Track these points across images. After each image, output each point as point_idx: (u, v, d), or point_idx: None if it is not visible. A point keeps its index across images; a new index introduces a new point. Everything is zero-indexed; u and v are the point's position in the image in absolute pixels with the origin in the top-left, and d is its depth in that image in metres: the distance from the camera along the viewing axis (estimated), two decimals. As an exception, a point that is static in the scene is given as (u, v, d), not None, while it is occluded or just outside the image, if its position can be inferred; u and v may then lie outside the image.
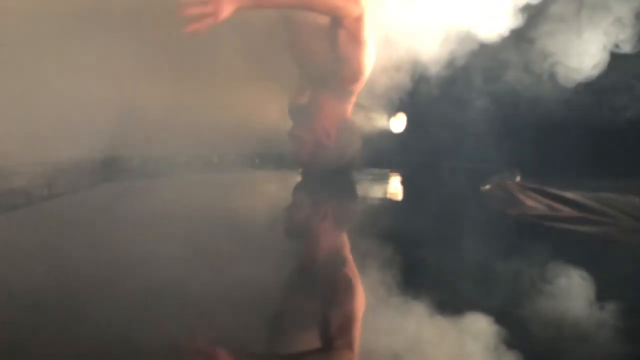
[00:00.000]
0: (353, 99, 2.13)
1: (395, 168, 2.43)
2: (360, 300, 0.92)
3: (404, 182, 2.25)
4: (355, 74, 2.00)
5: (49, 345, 0.70)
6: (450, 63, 2.13)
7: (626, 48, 1.97)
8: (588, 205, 1.48)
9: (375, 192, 2.08)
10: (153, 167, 2.11)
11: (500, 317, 0.82)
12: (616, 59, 2.00)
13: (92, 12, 2.02)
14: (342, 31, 1.88)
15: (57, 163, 1.75)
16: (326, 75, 2.03)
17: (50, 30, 1.93)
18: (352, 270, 1.08)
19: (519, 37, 2.01)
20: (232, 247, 1.19)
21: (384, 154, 2.45)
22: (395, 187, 2.18)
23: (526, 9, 1.95)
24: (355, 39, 1.90)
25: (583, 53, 1.99)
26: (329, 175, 2.08)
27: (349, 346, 0.77)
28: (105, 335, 0.72)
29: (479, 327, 0.79)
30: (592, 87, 2.04)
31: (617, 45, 1.97)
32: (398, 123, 2.55)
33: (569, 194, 1.56)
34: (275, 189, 2.09)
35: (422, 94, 2.38)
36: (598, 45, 1.97)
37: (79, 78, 1.95)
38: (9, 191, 1.53)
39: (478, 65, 2.24)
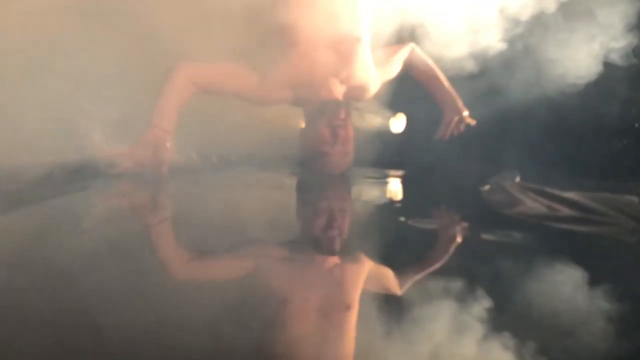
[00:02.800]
0: None
1: (394, 168, 2.43)
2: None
3: (403, 183, 2.25)
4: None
5: (34, 345, 0.70)
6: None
7: (616, 59, 1.97)
8: (587, 206, 1.48)
9: (374, 193, 2.08)
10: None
11: (499, 316, 0.82)
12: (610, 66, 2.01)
13: (86, 9, 2.02)
14: None
15: (53, 164, 1.74)
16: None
17: (44, 30, 1.93)
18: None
19: (515, 41, 2.03)
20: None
21: (383, 154, 2.45)
22: (394, 188, 2.18)
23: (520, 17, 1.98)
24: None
25: (572, 60, 2.00)
26: (328, 177, 2.07)
27: None
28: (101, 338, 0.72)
29: (474, 326, 0.79)
30: (590, 90, 2.04)
31: (607, 56, 1.98)
32: (398, 123, 2.56)
33: (568, 194, 1.56)
34: (277, 191, 2.08)
35: (421, 95, 2.38)
36: (587, 53, 1.98)
37: (76, 79, 1.95)
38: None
39: (479, 64, 2.24)
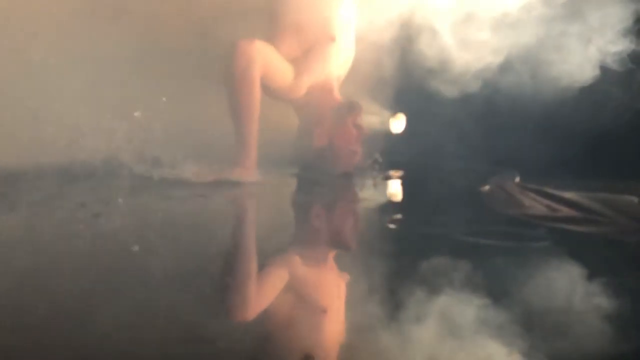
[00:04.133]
0: None
1: (394, 168, 2.43)
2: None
3: (403, 183, 2.25)
4: None
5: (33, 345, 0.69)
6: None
7: (613, 64, 1.98)
8: (587, 206, 1.48)
9: (374, 193, 2.08)
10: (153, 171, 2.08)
11: (498, 317, 0.82)
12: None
13: (95, 11, 2.02)
14: None
15: (54, 165, 1.74)
16: None
17: (46, 31, 1.93)
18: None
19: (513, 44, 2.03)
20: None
21: (383, 154, 2.45)
22: (394, 188, 2.18)
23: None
24: None
25: (569, 64, 2.00)
26: (329, 177, 2.07)
27: None
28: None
29: (473, 326, 0.79)
30: (588, 91, 2.05)
31: (604, 61, 1.99)
32: (398, 123, 2.55)
33: (568, 194, 1.57)
34: (280, 192, 2.07)
35: (421, 95, 2.38)
36: (584, 57, 1.99)
37: (74, 80, 1.95)
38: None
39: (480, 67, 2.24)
